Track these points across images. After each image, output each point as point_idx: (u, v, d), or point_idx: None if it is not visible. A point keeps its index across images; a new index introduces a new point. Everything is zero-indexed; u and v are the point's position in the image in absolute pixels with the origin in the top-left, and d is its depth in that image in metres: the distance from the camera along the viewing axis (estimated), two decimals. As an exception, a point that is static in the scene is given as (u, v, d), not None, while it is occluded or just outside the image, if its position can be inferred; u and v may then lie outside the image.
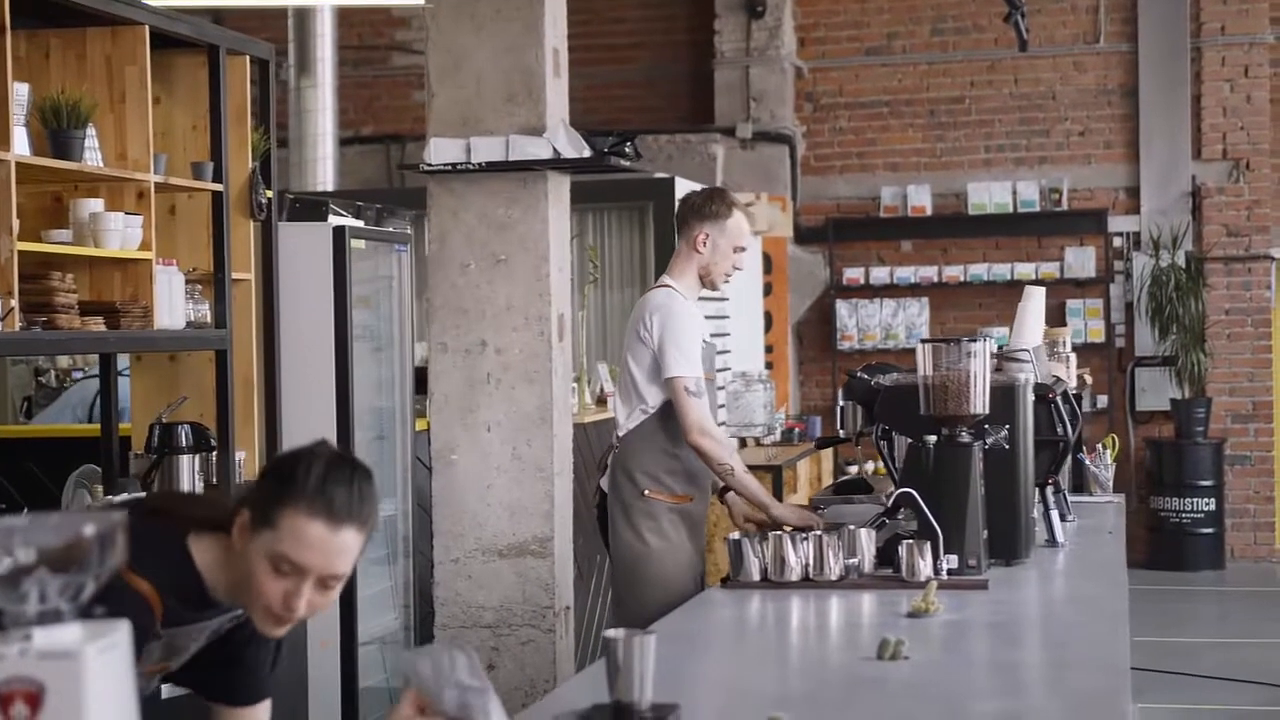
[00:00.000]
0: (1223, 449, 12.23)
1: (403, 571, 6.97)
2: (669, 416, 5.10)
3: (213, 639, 2.75)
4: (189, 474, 5.53)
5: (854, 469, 11.87)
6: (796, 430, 11.17)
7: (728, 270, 5.29)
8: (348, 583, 6.40)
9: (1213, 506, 12.06)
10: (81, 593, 1.80)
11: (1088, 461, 6.27)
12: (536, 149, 5.80)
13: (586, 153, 5.85)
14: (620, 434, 5.24)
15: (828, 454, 11.08)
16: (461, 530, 5.52)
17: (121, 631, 1.80)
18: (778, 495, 9.06)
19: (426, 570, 6.05)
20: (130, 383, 5.98)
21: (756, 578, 4.20)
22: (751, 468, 9.10)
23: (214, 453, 5.64)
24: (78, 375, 8.67)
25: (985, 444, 4.36)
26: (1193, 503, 12.03)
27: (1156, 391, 12.37)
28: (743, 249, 5.30)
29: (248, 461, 5.90)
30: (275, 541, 2.51)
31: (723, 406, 9.89)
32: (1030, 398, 4.61)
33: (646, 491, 5.13)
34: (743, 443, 10.36)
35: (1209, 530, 12.07)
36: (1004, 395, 4.47)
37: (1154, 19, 12.44)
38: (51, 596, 1.78)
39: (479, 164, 5.78)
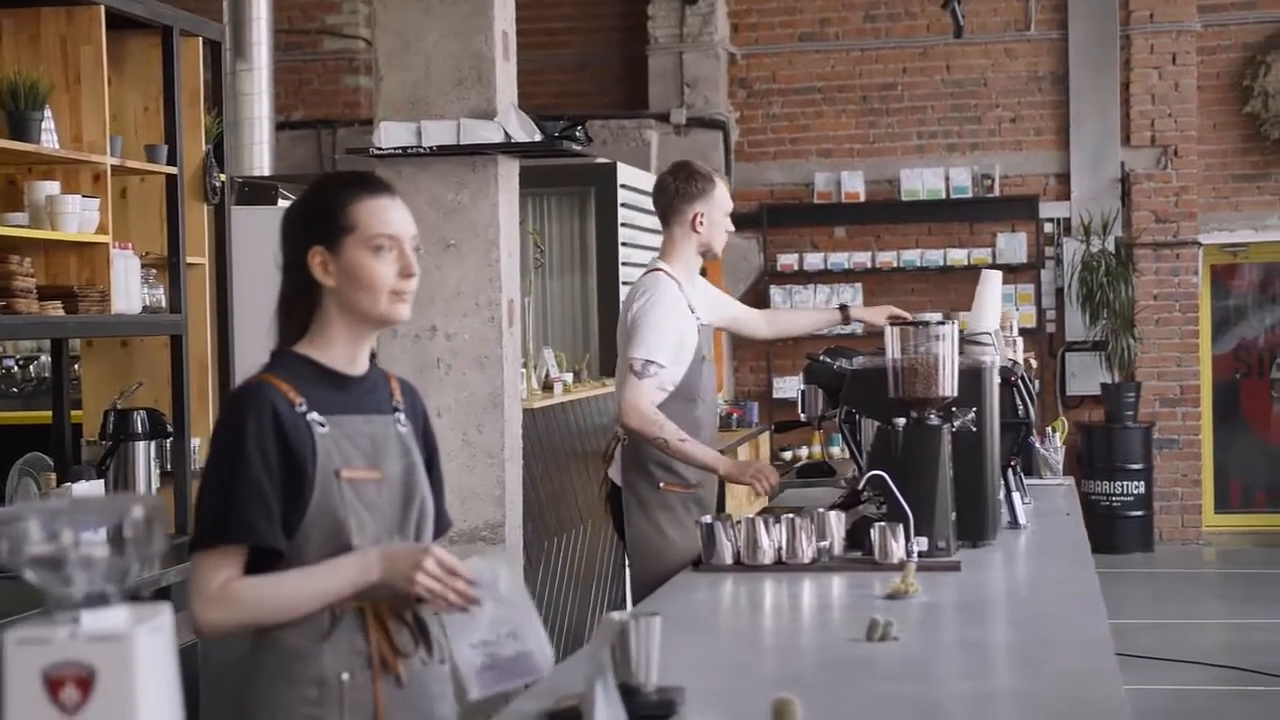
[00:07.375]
0: (1151, 433, 12.38)
1: (354, 557, 6.91)
2: (676, 404, 5.06)
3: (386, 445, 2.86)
4: (145, 461, 5.46)
5: (805, 452, 11.93)
6: (735, 416, 11.21)
7: (724, 237, 5.44)
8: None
9: (1142, 489, 12.21)
10: (128, 575, 1.78)
11: (1038, 445, 6.31)
12: (488, 133, 5.77)
13: (537, 137, 5.83)
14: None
15: (764, 439, 11.12)
16: (414, 516, 5.47)
17: (165, 614, 1.78)
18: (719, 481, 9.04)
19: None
20: (81, 369, 5.89)
21: (729, 561, 4.21)
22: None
23: (169, 439, 5.58)
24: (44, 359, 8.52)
25: (953, 426, 4.39)
26: (1123, 486, 12.17)
27: (1087, 376, 12.49)
28: (730, 210, 5.43)
29: (204, 448, 5.84)
30: (363, 235, 2.79)
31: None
32: (996, 380, 4.64)
33: (662, 484, 5.11)
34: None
35: (1139, 513, 12.23)
36: (971, 377, 4.48)
37: (1084, 6, 12.55)
38: (98, 579, 1.76)
39: (430, 148, 5.74)
